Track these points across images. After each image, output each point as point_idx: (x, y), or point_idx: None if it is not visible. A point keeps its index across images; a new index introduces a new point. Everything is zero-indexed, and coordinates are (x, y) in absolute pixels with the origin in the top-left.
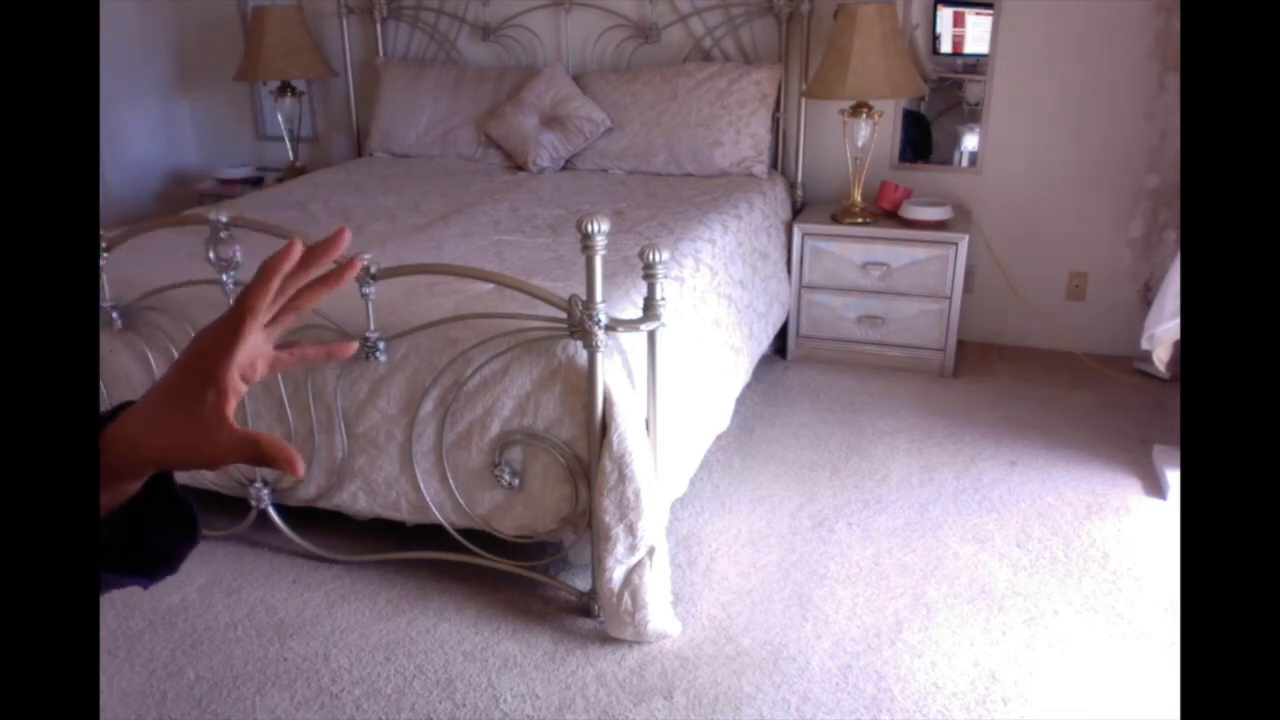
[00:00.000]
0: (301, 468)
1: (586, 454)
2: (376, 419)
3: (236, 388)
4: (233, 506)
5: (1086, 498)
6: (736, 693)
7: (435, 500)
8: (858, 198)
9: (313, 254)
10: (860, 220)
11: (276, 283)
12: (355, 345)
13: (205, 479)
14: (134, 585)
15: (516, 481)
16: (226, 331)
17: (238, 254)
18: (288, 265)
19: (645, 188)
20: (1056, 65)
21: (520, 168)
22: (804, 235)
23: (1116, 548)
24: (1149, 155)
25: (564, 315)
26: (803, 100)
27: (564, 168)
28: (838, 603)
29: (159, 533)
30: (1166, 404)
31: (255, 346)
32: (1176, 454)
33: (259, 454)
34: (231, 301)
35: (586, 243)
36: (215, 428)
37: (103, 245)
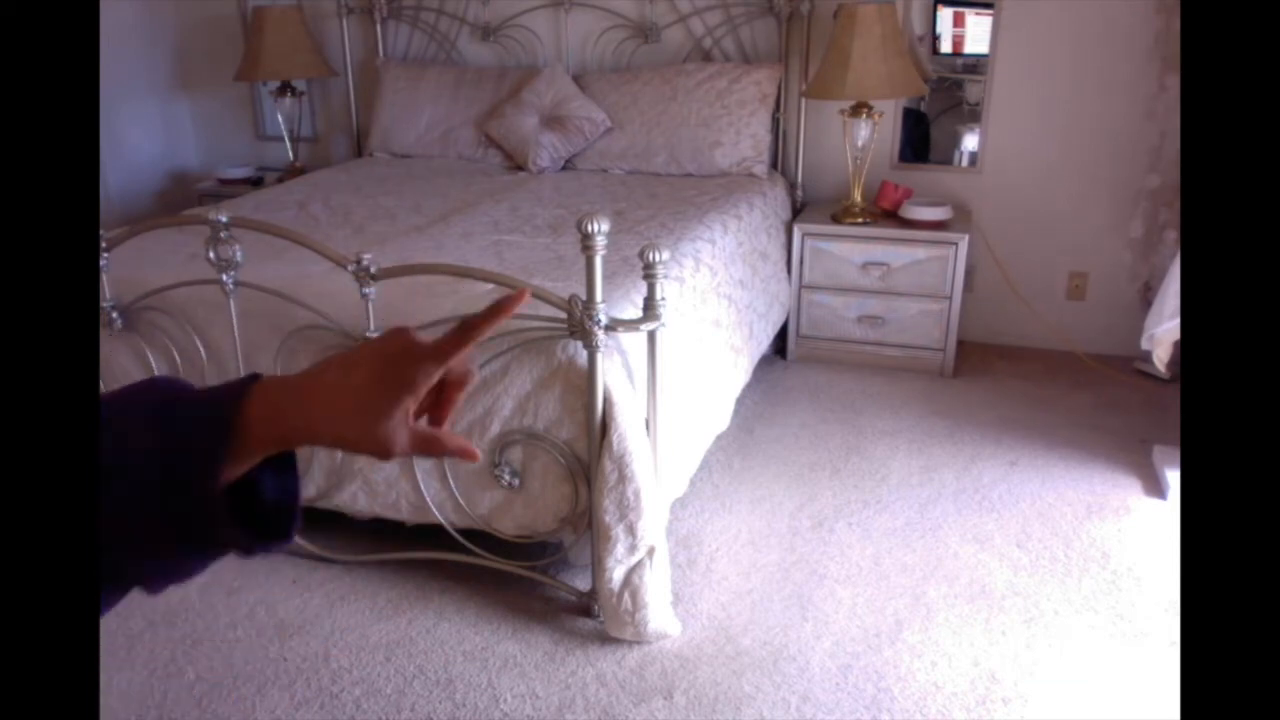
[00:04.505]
0: (478, 454)
1: (586, 454)
2: None
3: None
4: None
5: (1086, 498)
6: (736, 693)
7: (435, 500)
8: (858, 198)
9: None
10: (860, 220)
11: (498, 323)
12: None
13: None
14: (241, 551)
15: (516, 481)
16: (444, 347)
17: (238, 254)
18: (514, 310)
19: (645, 188)
20: (1056, 65)
21: (520, 168)
22: (804, 235)
23: (1116, 548)
24: (1149, 155)
25: (564, 315)
26: (803, 100)
27: (564, 168)
28: (838, 603)
29: (269, 500)
30: (1166, 404)
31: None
32: (1176, 454)
33: (437, 449)
34: (232, 302)
35: (586, 243)
36: (401, 425)
37: (103, 245)
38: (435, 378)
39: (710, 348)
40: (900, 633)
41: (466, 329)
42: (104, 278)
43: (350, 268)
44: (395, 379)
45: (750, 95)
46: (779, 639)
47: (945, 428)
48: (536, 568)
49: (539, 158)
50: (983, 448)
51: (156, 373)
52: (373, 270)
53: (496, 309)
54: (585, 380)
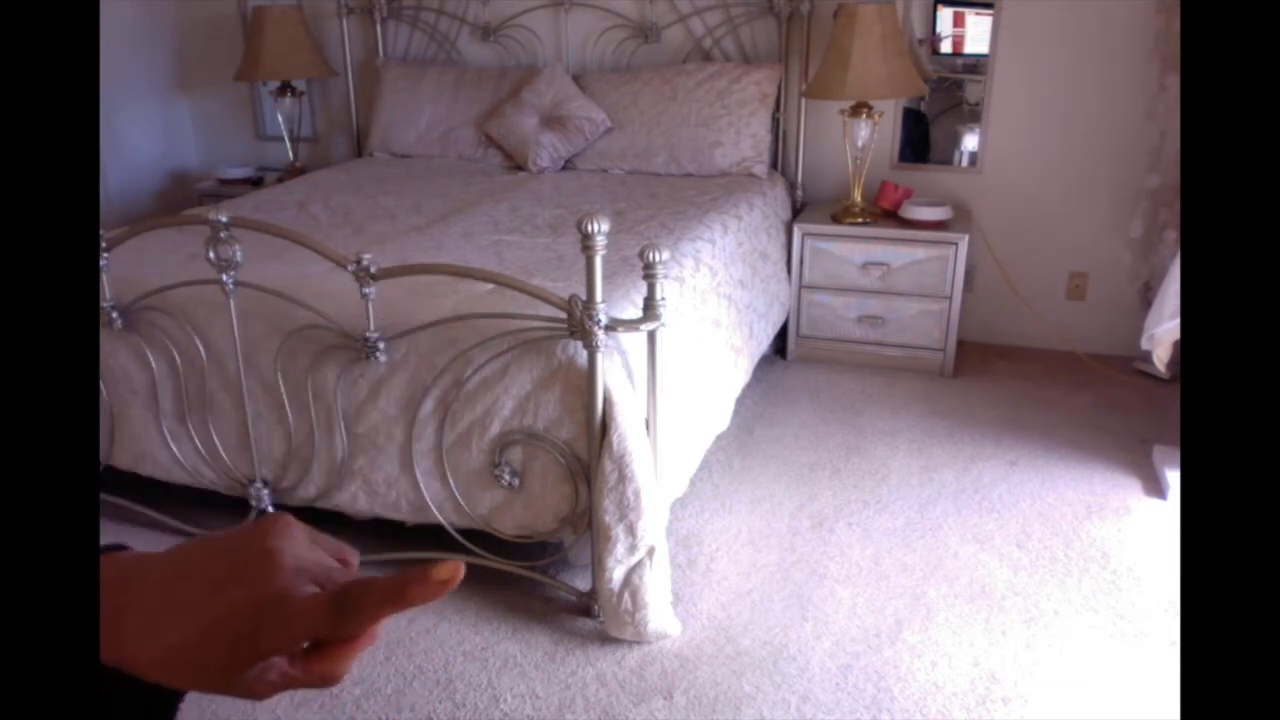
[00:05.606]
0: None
1: (586, 454)
2: (376, 419)
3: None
4: (233, 506)
5: (1086, 498)
6: (736, 693)
7: (435, 500)
8: (858, 198)
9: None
10: (860, 220)
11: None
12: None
13: (205, 477)
14: None
15: (516, 481)
16: (328, 619)
17: (238, 254)
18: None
19: (645, 188)
20: (1056, 65)
21: (520, 168)
22: (804, 235)
23: (1116, 548)
24: (1149, 155)
25: (564, 315)
26: (803, 100)
27: (564, 168)
28: (838, 603)
29: None
30: (1166, 404)
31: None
32: (1176, 454)
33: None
34: (232, 302)
35: (586, 243)
36: (258, 679)
37: (103, 245)
38: (301, 644)
39: (710, 348)
40: (900, 633)
41: (358, 607)
42: (104, 278)
43: (350, 268)
44: (247, 643)
45: (750, 95)
46: (779, 639)
47: (945, 428)
48: (536, 568)
49: (539, 158)
50: (983, 448)
51: (156, 373)
52: (373, 270)
53: (413, 589)
54: (585, 380)
